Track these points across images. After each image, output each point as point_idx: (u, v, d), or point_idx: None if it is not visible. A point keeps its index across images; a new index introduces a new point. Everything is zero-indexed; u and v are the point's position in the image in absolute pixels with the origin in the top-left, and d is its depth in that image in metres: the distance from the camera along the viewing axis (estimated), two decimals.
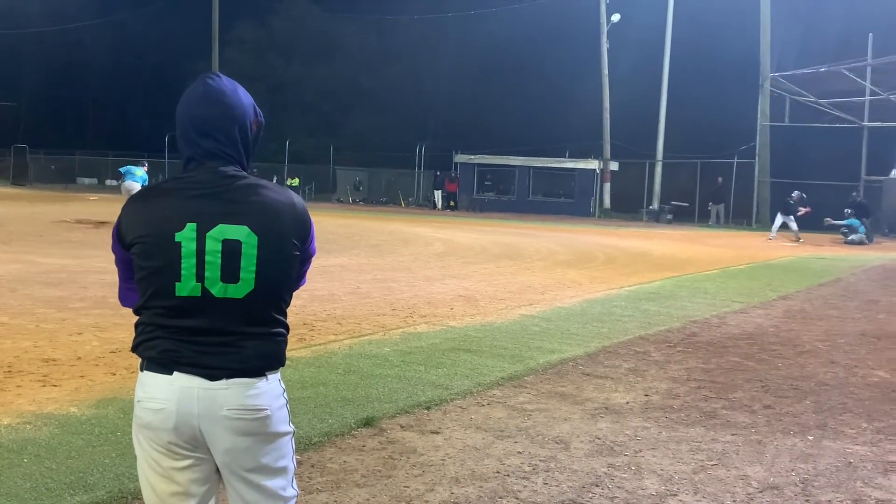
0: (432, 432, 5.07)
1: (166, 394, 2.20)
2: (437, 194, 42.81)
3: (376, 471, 4.37)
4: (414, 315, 9.31)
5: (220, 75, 2.34)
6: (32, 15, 57.54)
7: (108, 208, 25.88)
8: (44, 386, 5.68)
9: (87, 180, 49.89)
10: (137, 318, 2.29)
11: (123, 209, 2.30)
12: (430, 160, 45.22)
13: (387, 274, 13.21)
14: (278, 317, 2.30)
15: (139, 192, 2.33)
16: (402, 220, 30.26)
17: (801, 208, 26.85)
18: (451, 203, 41.65)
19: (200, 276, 2.17)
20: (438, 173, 43.47)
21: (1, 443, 4.48)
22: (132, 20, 60.47)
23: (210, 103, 2.28)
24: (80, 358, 6.53)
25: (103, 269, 11.65)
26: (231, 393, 2.21)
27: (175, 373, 2.20)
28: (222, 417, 2.20)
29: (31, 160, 50.78)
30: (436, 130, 52.47)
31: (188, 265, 2.17)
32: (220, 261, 2.18)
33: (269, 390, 2.27)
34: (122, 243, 2.28)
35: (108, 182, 47.57)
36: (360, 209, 38.91)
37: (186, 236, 2.17)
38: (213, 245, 2.18)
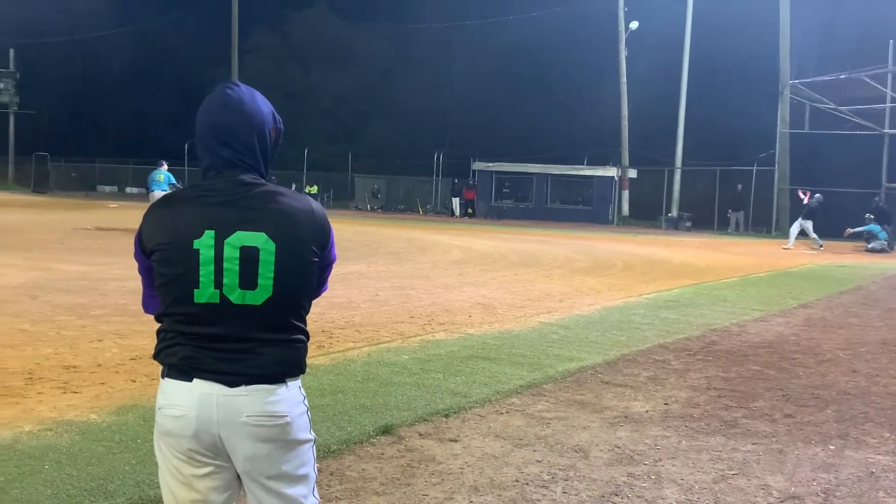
0: (451, 440, 5.06)
1: (186, 400, 2.21)
2: (455, 202, 42.83)
3: (395, 479, 4.36)
4: (432, 323, 9.30)
5: (239, 84, 2.35)
6: (53, 24, 58.12)
7: (129, 215, 26.06)
8: (64, 393, 5.71)
9: (107, 188, 50.27)
10: (159, 325, 2.30)
11: (144, 217, 2.32)
12: (447, 168, 45.26)
13: (405, 281, 13.21)
14: (297, 323, 2.31)
15: (159, 201, 2.35)
16: (419, 227, 30.30)
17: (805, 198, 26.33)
18: (469, 210, 41.66)
19: (219, 283, 2.18)
20: (456, 181, 43.51)
21: (22, 449, 4.51)
22: (151, 29, 60.97)
23: (229, 113, 2.29)
24: (100, 365, 6.56)
25: (123, 276, 11.72)
26: (251, 399, 2.21)
27: (195, 380, 2.21)
28: (242, 424, 2.21)
29: (52, 168, 51.22)
30: (453, 138, 52.56)
31: (206, 272, 2.18)
32: (237, 268, 2.19)
33: (289, 397, 2.27)
34: (144, 251, 2.29)
35: (128, 190, 47.89)
36: (379, 217, 38.99)
37: (205, 243, 2.18)
38: (231, 252, 2.19)
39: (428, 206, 45.30)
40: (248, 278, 2.19)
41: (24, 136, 54.20)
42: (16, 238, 18.03)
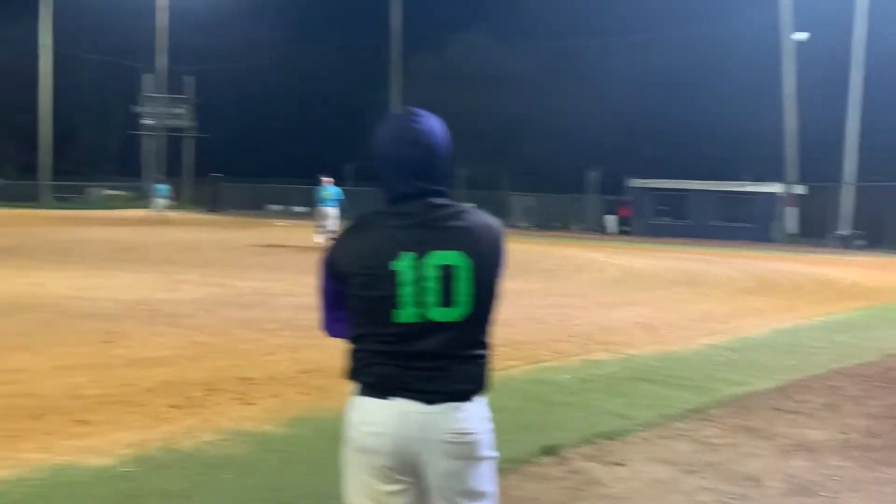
0: (616, 464, 4.98)
1: (385, 418, 2.26)
2: (610, 219, 42.28)
3: (561, 501, 4.34)
4: (591, 342, 9.20)
5: (420, 112, 2.40)
6: (225, 51, 61.53)
7: (295, 233, 27.16)
8: (241, 404, 5.99)
9: (275, 207, 52.41)
10: (352, 345, 2.36)
11: (335, 243, 2.40)
12: (601, 185, 44.77)
13: (561, 299, 13.13)
14: (485, 339, 2.36)
15: (350, 225, 2.41)
16: (574, 244, 30.05)
17: None
18: (625, 228, 41.00)
19: (419, 303, 2.25)
20: (611, 198, 42.97)
21: (203, 458, 4.76)
22: (316, 54, 63.57)
23: (418, 147, 2.34)
24: (273, 377, 6.84)
25: (292, 291, 12.21)
26: (446, 417, 2.26)
27: (394, 397, 2.26)
28: (438, 441, 2.26)
29: (225, 188, 53.99)
30: (607, 155, 51.91)
31: (407, 293, 2.24)
32: (437, 286, 2.25)
33: (479, 414, 2.32)
34: (335, 275, 2.37)
35: (294, 209, 49.80)
36: (533, 234, 38.93)
37: (403, 265, 2.25)
38: (429, 271, 2.25)
39: (582, 224, 44.91)
40: (446, 296, 2.25)
41: (200, 159, 57.49)
42: (193, 255, 19.12)
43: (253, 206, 51.94)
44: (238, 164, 56.41)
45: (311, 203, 24.47)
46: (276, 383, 6.63)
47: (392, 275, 2.25)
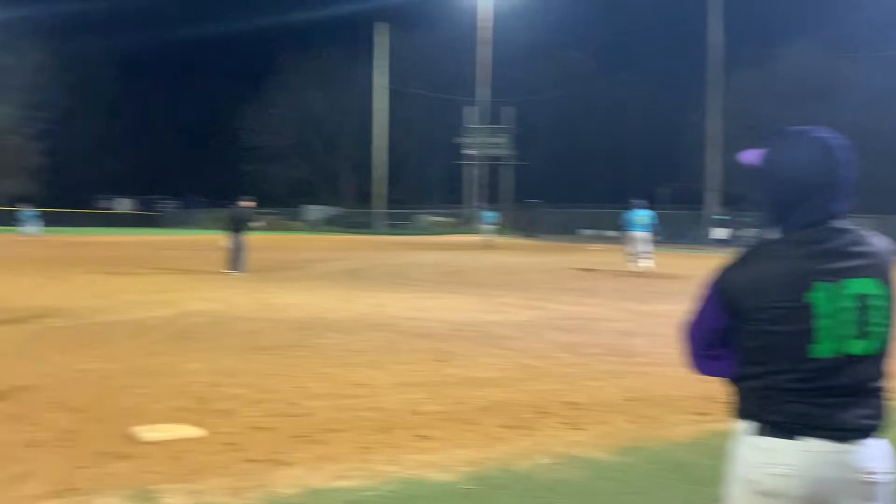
0: None
1: (796, 459, 2.15)
2: None
3: None
4: None
5: (825, 131, 2.25)
6: (541, 81, 63.28)
7: (608, 258, 27.13)
8: (570, 428, 6.01)
9: (587, 231, 52.85)
10: (744, 382, 2.25)
11: (726, 273, 2.26)
12: None
13: None
14: (886, 371, 2.21)
15: (744, 255, 2.27)
16: None
17: None
18: None
19: (836, 336, 2.13)
20: None
21: (539, 481, 4.83)
22: (628, 79, 63.46)
23: (844, 168, 2.22)
24: (599, 403, 6.81)
25: (610, 316, 12.18)
26: (858, 455, 2.13)
27: (803, 437, 2.15)
28: (853, 482, 2.13)
29: (540, 214, 55.42)
30: None
31: (823, 325, 2.13)
32: (854, 318, 2.14)
33: (886, 451, 2.18)
34: (729, 309, 2.24)
35: (606, 233, 49.92)
36: None
37: (818, 296, 2.14)
38: (846, 302, 2.14)
39: None
40: (863, 328, 2.14)
41: (519, 186, 59.66)
42: (514, 278, 19.77)
43: (566, 230, 52.73)
44: (552, 190, 57.65)
45: (622, 228, 24.31)
46: (602, 409, 6.59)
47: (807, 307, 2.13)
